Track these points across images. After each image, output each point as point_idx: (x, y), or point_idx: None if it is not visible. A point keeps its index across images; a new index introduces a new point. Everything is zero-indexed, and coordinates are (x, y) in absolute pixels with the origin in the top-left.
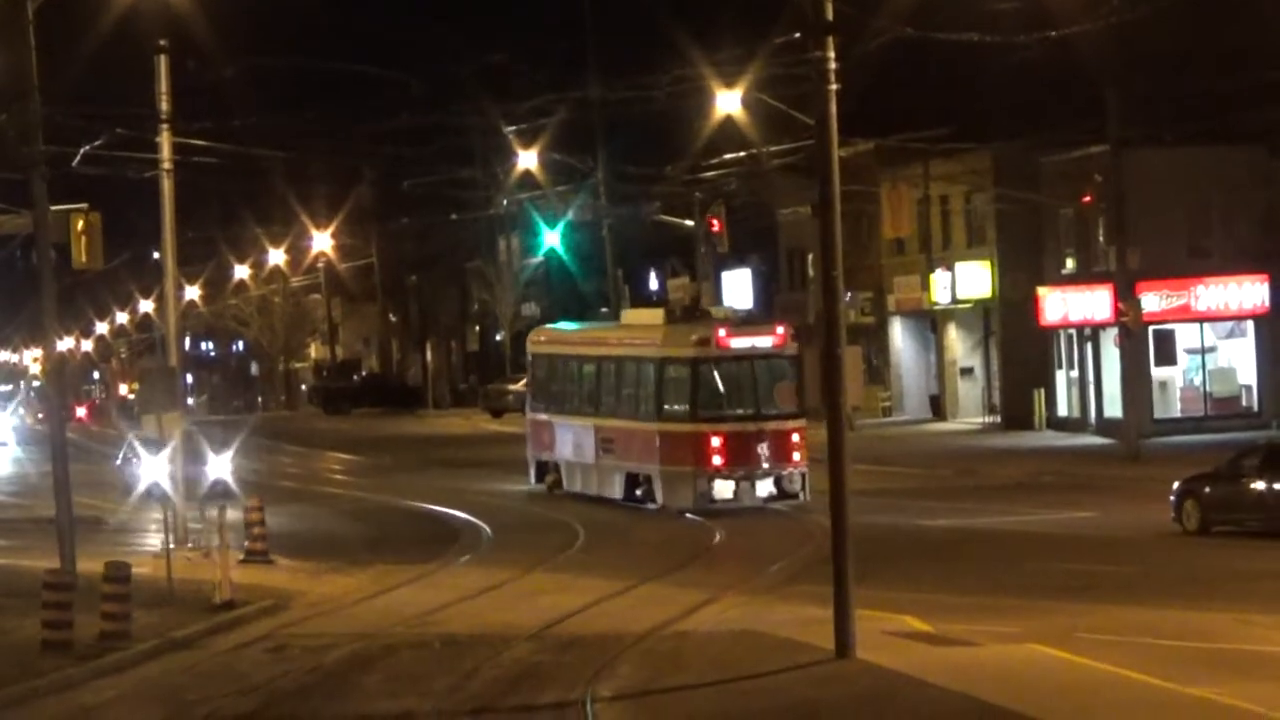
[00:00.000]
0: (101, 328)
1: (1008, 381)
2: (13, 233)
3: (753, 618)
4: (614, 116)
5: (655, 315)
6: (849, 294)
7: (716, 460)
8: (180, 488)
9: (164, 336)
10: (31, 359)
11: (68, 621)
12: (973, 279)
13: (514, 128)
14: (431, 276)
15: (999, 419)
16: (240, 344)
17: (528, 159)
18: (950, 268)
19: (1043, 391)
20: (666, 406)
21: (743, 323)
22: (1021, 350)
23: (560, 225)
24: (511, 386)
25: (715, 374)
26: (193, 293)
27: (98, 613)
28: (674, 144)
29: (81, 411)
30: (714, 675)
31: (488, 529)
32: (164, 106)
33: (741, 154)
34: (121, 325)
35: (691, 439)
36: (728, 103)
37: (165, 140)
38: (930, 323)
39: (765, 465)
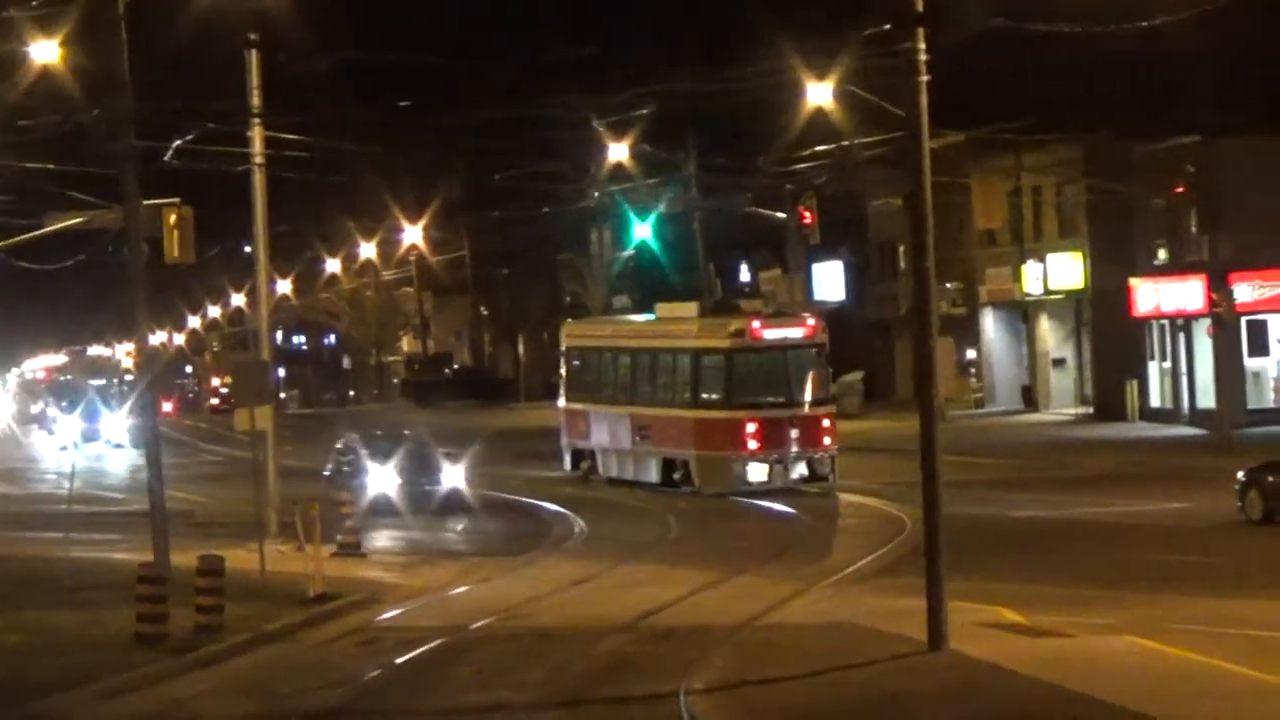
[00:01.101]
0: (194, 321)
1: (1100, 372)
2: (105, 227)
3: (845, 609)
4: (704, 109)
5: (689, 308)
6: (946, 285)
7: (751, 445)
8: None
9: (255, 330)
10: (124, 353)
11: (162, 615)
12: (1064, 270)
13: (605, 120)
14: (522, 269)
15: (1091, 410)
16: (332, 337)
17: (618, 151)
18: (1042, 259)
19: (1135, 382)
20: (703, 394)
21: (775, 315)
22: (1113, 341)
23: (651, 217)
24: None
25: (750, 363)
26: (284, 286)
27: (191, 606)
28: (764, 136)
29: (167, 406)
30: (807, 667)
31: (580, 521)
32: (255, 100)
33: (832, 146)
34: (214, 319)
35: (727, 425)
36: (818, 94)
37: (256, 134)
38: (1022, 314)
39: (796, 449)
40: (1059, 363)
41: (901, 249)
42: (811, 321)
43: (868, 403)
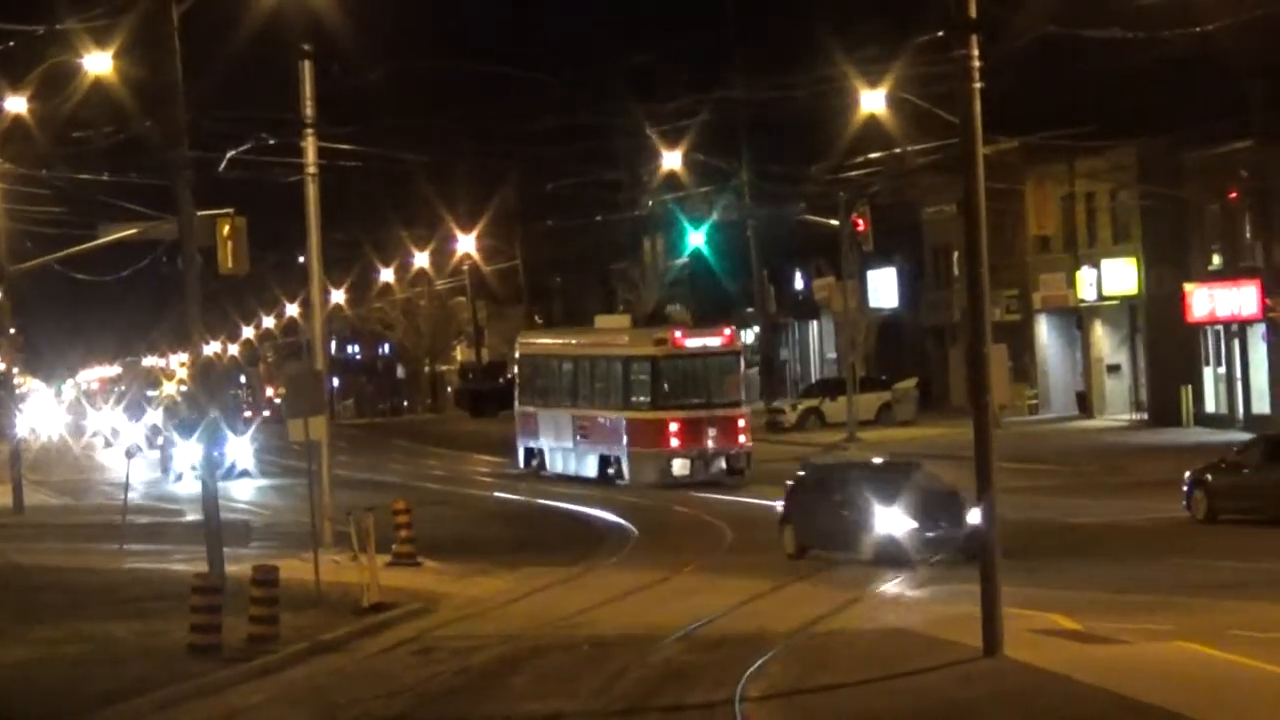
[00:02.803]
0: (248, 332)
1: (1154, 378)
2: (159, 238)
3: (900, 616)
4: (757, 116)
5: (623, 320)
6: (1000, 292)
7: (674, 442)
8: None
9: (310, 340)
10: (178, 364)
11: (216, 625)
12: (1118, 276)
13: (658, 128)
14: (576, 278)
15: (1146, 416)
16: (386, 347)
17: (672, 159)
18: (1096, 265)
19: (1190, 388)
20: (632, 398)
21: (695, 326)
22: (1168, 347)
23: (705, 226)
24: None
25: (673, 369)
26: (338, 296)
27: (246, 616)
28: (818, 143)
29: None
30: (862, 674)
31: (635, 530)
32: (308, 111)
33: (885, 153)
34: (268, 329)
35: (653, 424)
36: (871, 101)
37: (310, 145)
38: (1076, 320)
39: (714, 446)
40: (1114, 369)
41: (956, 255)
42: (728, 331)
43: (922, 410)
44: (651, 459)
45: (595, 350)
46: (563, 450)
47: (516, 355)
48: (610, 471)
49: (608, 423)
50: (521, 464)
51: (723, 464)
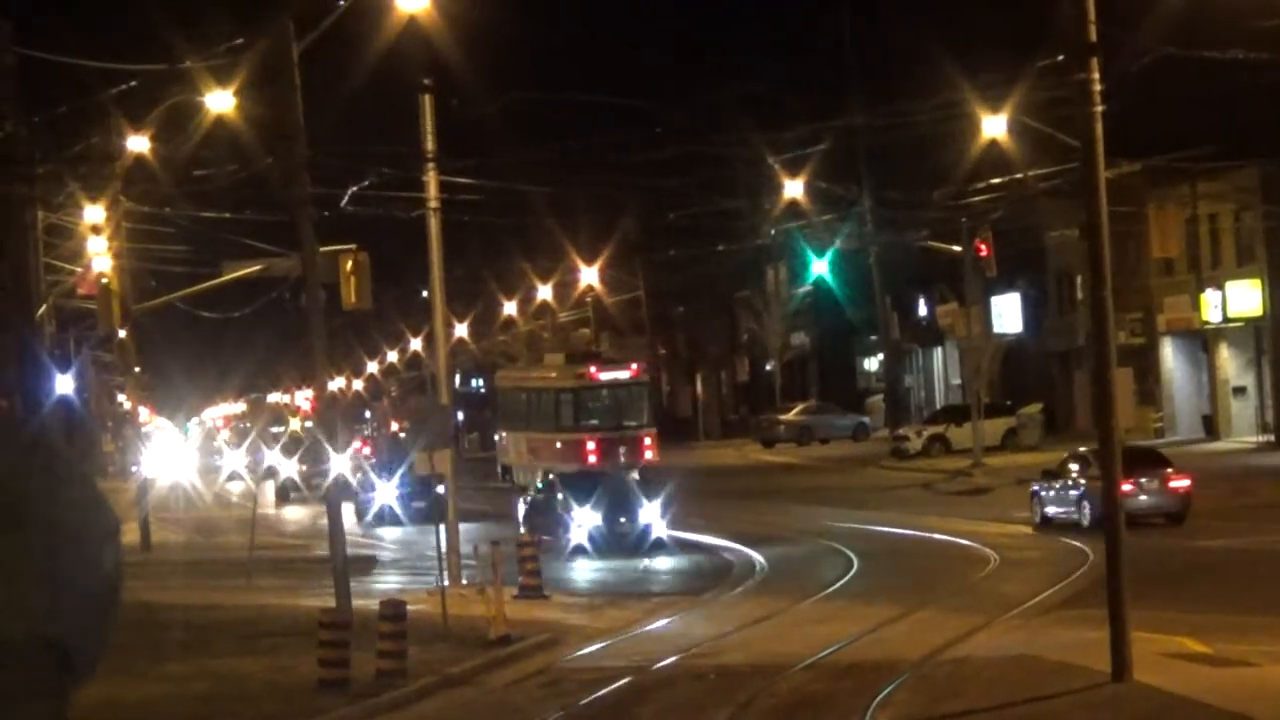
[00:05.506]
0: (372, 366)
1: None
2: (282, 275)
3: (1028, 641)
4: (877, 142)
5: (559, 357)
6: (1124, 315)
7: (592, 459)
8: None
9: (434, 374)
10: (303, 399)
11: (344, 660)
12: (1243, 298)
13: (778, 156)
14: (699, 307)
15: (1273, 437)
16: None
17: (793, 188)
18: (1220, 286)
19: None
20: (561, 421)
21: (609, 361)
22: None
23: (827, 253)
24: (783, 417)
25: (590, 397)
26: (461, 330)
27: (374, 650)
28: (938, 169)
29: None
30: (991, 700)
31: (761, 559)
32: (429, 145)
33: (1007, 178)
34: (391, 363)
35: (577, 443)
36: (992, 126)
37: (431, 179)
38: (1201, 342)
39: (626, 461)
40: (1239, 391)
41: (1079, 279)
42: (635, 365)
43: (1048, 434)
44: None
45: (539, 383)
46: (522, 466)
47: (496, 387)
48: None
49: (545, 442)
50: (501, 479)
51: (635, 477)
